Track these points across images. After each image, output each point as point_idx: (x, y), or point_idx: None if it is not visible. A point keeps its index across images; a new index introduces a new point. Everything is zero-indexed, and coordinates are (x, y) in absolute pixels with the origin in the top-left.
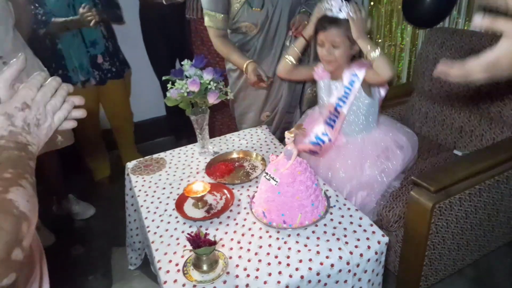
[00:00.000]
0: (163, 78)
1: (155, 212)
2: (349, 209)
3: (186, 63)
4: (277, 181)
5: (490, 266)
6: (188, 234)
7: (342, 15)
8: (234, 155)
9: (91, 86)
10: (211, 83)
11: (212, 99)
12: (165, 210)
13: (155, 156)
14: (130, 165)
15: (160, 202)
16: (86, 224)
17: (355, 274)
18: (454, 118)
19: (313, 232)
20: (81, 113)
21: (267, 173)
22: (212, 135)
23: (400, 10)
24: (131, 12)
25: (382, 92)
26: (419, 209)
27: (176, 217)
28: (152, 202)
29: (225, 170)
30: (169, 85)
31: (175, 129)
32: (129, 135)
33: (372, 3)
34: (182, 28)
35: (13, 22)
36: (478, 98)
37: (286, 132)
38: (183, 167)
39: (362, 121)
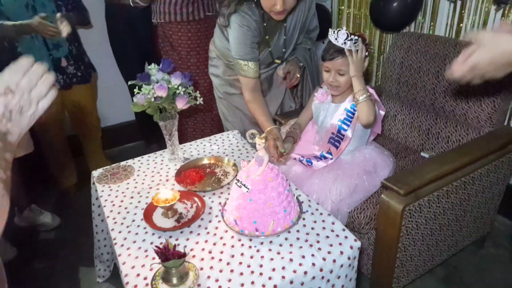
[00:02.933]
0: (129, 82)
1: (122, 223)
2: (321, 214)
3: (153, 67)
4: (248, 188)
5: (458, 265)
6: (156, 246)
7: (345, 47)
8: (205, 161)
9: None
10: (180, 87)
11: (181, 104)
12: (133, 221)
13: (122, 163)
14: (96, 173)
15: (128, 212)
16: (51, 236)
17: (328, 281)
18: (421, 121)
19: (286, 239)
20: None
21: (238, 180)
22: (184, 140)
23: (368, 15)
24: (95, 13)
25: (381, 111)
26: (389, 212)
27: (145, 228)
28: (119, 213)
29: (195, 177)
30: (136, 90)
31: (145, 133)
32: (96, 141)
33: (341, 7)
34: (150, 31)
35: None
36: (444, 101)
37: (257, 138)
38: (152, 175)
39: (356, 140)
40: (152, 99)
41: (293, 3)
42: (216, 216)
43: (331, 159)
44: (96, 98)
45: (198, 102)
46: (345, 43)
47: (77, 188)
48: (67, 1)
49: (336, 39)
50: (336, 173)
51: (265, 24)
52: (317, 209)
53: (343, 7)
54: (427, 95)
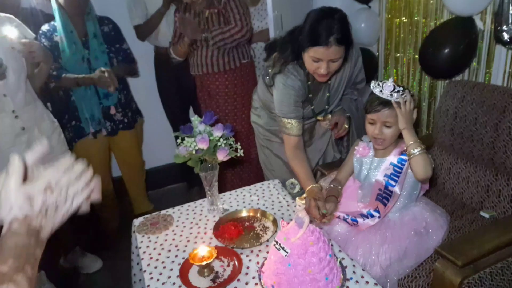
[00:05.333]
0: (173, 134)
1: (158, 279)
2: (367, 282)
3: (195, 119)
4: (287, 252)
5: None
6: None
7: (392, 99)
8: (244, 214)
9: (102, 136)
10: (221, 140)
11: (222, 156)
12: (169, 277)
13: (162, 212)
14: (136, 222)
15: (164, 267)
16: (92, 278)
17: None
18: (480, 176)
19: None
20: (97, 197)
21: (276, 242)
22: (223, 186)
23: (417, 60)
24: (145, 62)
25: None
26: (445, 284)
27: (180, 286)
28: (156, 267)
29: (234, 232)
30: (178, 141)
31: (187, 176)
32: (140, 184)
33: (388, 51)
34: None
35: (25, 76)
36: (504, 156)
37: (297, 199)
38: (191, 226)
39: (405, 197)
40: (194, 152)
41: (337, 66)
42: (253, 277)
43: (378, 217)
44: (142, 142)
45: (238, 154)
46: (391, 95)
47: (120, 231)
48: (118, 53)
49: (381, 91)
50: (383, 234)
51: (309, 83)
52: (362, 277)
53: (390, 51)
54: (485, 149)
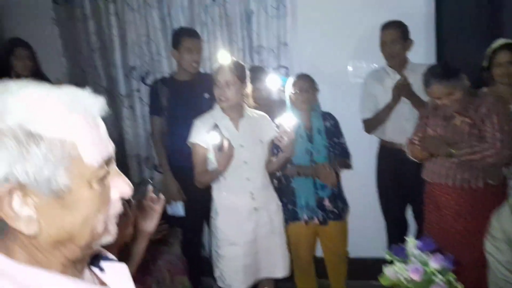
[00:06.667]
0: (386, 252)
1: None
2: None
3: (411, 240)
4: None
5: None
6: None
7: None
8: None
9: (313, 224)
10: (438, 274)
11: None
12: None
13: None
14: None
15: None
16: None
17: None
18: None
19: None
20: None
21: None
22: None
23: None
24: (358, 156)
25: None
26: None
27: None
28: None
29: None
30: (388, 260)
31: None
32: (341, 272)
33: None
34: (418, 175)
35: (265, 162)
36: None
37: None
38: None
39: None
40: (403, 281)
41: None
42: None
43: None
44: (347, 231)
45: None
46: None
47: None
48: (336, 147)
49: None
50: None
51: None
52: None
53: None
54: None
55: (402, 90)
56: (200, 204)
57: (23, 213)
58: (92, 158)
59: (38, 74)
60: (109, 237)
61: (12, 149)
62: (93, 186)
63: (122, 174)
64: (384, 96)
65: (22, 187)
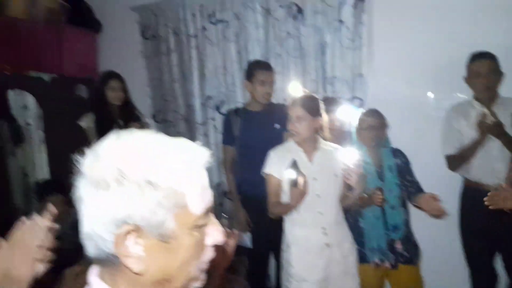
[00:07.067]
0: None
1: None
2: None
3: None
4: None
5: None
6: None
7: None
8: None
9: (383, 267)
10: None
11: None
12: None
13: None
14: None
15: None
16: None
17: None
18: None
19: None
20: None
21: None
22: None
23: None
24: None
25: None
26: None
27: None
28: None
29: None
30: None
31: None
32: None
33: None
34: (510, 220)
35: (339, 196)
36: None
37: None
38: None
39: None
40: None
41: None
42: None
43: None
44: (422, 281)
45: None
46: None
47: None
48: (411, 186)
49: None
50: None
51: None
52: None
53: None
54: None
55: (492, 128)
56: (267, 235)
57: (134, 252)
58: (196, 207)
59: (128, 103)
60: (198, 283)
61: (134, 195)
62: (193, 233)
63: (217, 222)
64: (469, 132)
65: (137, 229)
